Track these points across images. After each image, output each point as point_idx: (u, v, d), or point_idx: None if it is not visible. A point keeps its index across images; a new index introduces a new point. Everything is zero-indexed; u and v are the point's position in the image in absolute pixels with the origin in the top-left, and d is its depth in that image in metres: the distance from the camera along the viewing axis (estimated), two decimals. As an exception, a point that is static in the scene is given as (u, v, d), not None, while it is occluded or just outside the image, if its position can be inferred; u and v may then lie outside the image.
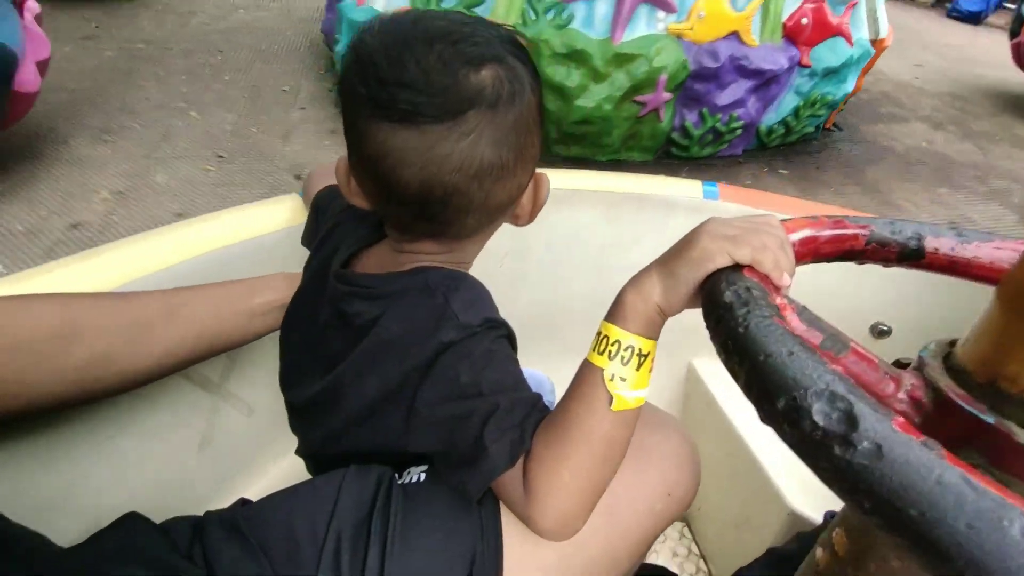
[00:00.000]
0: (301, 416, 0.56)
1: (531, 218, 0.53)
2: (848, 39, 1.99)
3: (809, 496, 0.78)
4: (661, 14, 1.76)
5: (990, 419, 0.25)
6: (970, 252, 0.39)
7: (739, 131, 2.05)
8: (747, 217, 0.39)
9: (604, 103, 1.77)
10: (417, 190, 0.44)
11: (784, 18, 1.86)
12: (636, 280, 0.41)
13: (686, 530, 1.05)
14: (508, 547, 0.43)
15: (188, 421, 0.69)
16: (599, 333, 0.41)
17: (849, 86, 2.17)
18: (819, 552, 0.40)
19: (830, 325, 0.32)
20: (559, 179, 0.96)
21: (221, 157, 2.08)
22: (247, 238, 0.70)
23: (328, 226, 0.59)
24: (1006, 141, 3.00)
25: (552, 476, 0.40)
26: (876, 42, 2.12)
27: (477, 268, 0.86)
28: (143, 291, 0.54)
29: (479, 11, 1.67)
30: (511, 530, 0.43)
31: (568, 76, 1.71)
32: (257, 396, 0.76)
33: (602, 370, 0.39)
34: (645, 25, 1.74)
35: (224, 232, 0.69)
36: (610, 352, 0.39)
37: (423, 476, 0.47)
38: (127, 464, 0.63)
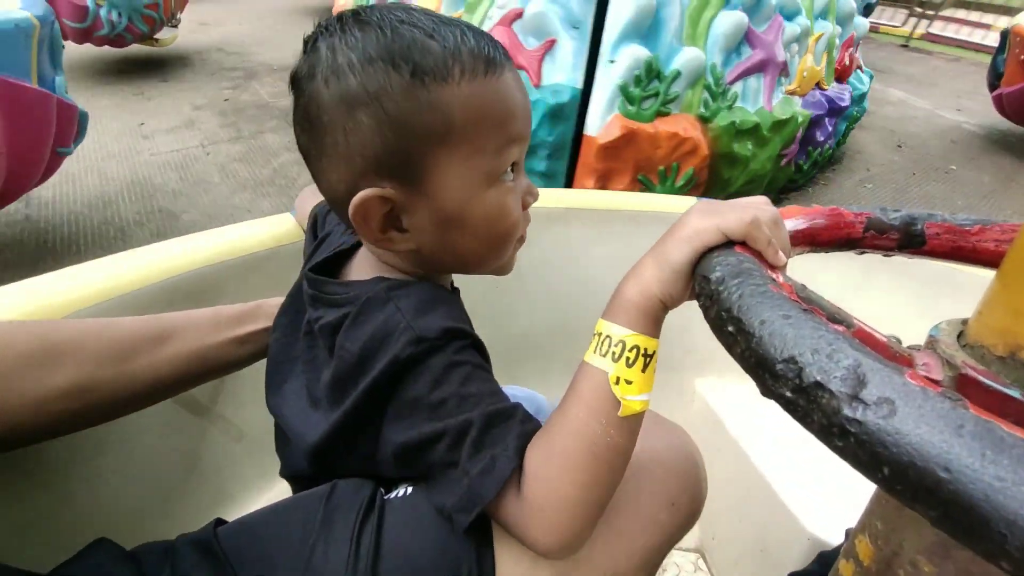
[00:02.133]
0: (279, 431, 0.53)
1: (426, 247, 0.44)
2: (861, 69, 2.61)
3: (828, 518, 0.74)
4: (784, 80, 2.10)
5: (1015, 393, 0.23)
6: (973, 237, 0.38)
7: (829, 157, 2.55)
8: (737, 200, 0.38)
9: (766, 163, 2.12)
10: None
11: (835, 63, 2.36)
12: (634, 273, 0.38)
13: (701, 562, 0.99)
14: (501, 564, 0.40)
15: (174, 445, 0.67)
16: (599, 333, 0.38)
17: (866, 104, 2.79)
18: (842, 564, 0.36)
19: (832, 304, 0.30)
20: (552, 197, 0.97)
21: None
22: (239, 255, 0.70)
23: (324, 234, 0.58)
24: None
25: (556, 491, 0.36)
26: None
27: (472, 286, 0.85)
28: (128, 317, 0.53)
29: (671, 107, 1.88)
30: (504, 545, 0.40)
31: (744, 147, 2.03)
32: (248, 420, 0.74)
33: (606, 373, 0.36)
34: (780, 91, 2.11)
35: (217, 249, 0.69)
36: (613, 353, 0.36)
37: (410, 490, 0.44)
38: (108, 488, 0.60)
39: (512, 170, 0.44)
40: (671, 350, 1.04)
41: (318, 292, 0.47)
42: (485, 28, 1.85)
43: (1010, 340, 0.25)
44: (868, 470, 0.20)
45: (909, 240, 0.38)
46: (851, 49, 2.52)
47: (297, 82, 0.41)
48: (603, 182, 1.87)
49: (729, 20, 1.92)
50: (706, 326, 0.31)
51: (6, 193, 1.42)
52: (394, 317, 0.40)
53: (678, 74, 1.85)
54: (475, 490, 0.37)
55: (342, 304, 0.44)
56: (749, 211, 0.35)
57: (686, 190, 1.95)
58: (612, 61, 1.78)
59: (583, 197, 0.98)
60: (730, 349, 0.27)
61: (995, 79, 3.36)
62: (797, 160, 2.35)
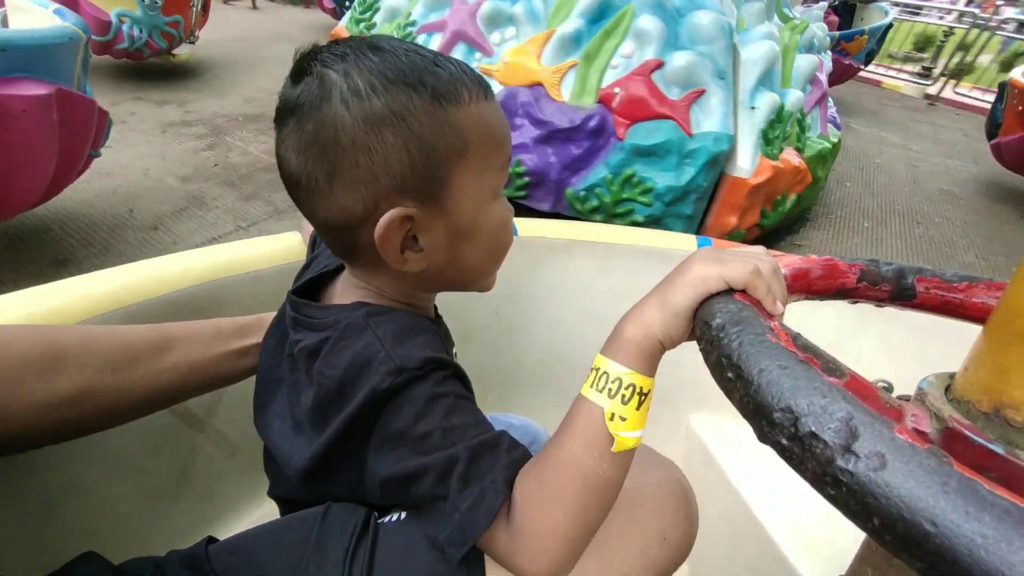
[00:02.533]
0: (267, 451, 0.53)
1: (435, 263, 0.44)
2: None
3: (819, 562, 0.73)
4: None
5: (999, 448, 0.24)
6: (960, 293, 0.39)
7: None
8: (737, 248, 0.39)
9: (824, 181, 2.37)
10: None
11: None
12: (635, 313, 0.39)
13: (690, 602, 0.98)
14: None
15: (167, 458, 0.67)
16: (596, 368, 0.39)
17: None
18: None
19: (826, 353, 0.31)
20: (556, 229, 0.99)
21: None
22: (246, 271, 0.71)
23: (312, 256, 0.58)
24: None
25: (546, 521, 0.37)
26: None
27: (474, 313, 0.86)
28: (132, 325, 0.53)
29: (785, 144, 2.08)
30: (496, 573, 0.40)
31: (823, 169, 2.26)
32: (242, 436, 0.73)
33: (602, 409, 0.37)
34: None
35: (224, 264, 0.70)
36: (610, 390, 0.37)
37: (404, 515, 0.44)
38: (97, 500, 0.60)
39: None
40: (666, 385, 1.04)
41: (298, 315, 0.47)
42: (609, 77, 1.88)
43: (994, 397, 0.26)
44: (859, 519, 0.21)
45: (900, 293, 0.40)
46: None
47: (298, 109, 0.40)
48: (741, 218, 2.00)
49: (806, 62, 2.22)
50: (701, 362, 0.32)
51: (50, 191, 1.53)
52: (373, 345, 0.41)
53: (790, 114, 2.06)
54: (466, 524, 0.37)
55: (321, 328, 0.44)
56: (751, 261, 0.36)
57: (794, 213, 2.23)
58: (753, 107, 1.95)
59: (587, 230, 0.99)
60: (729, 394, 0.28)
61: (993, 129, 3.44)
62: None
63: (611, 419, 0.37)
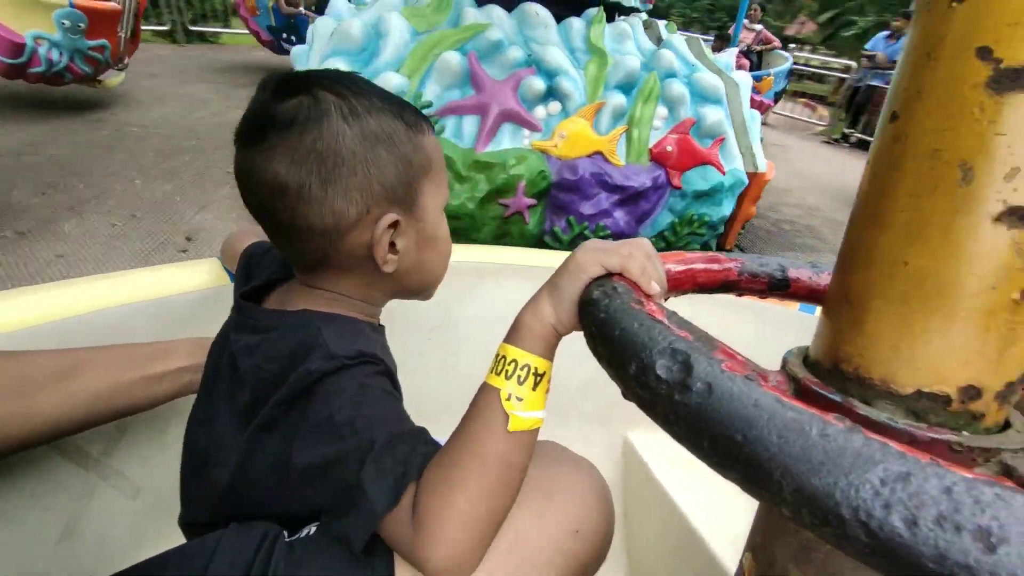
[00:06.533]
0: (189, 467, 0.51)
1: (403, 266, 0.50)
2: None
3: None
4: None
5: (837, 398, 0.28)
6: (824, 280, 0.43)
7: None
8: (622, 240, 0.42)
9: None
10: (248, 203, 0.47)
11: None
12: (530, 302, 0.42)
13: (633, 618, 0.96)
14: None
15: (50, 505, 0.59)
16: (497, 355, 0.41)
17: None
18: None
19: (701, 330, 0.33)
20: (485, 254, 0.99)
21: (134, 216, 2.30)
22: (161, 296, 0.67)
23: (259, 272, 0.59)
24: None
25: (446, 503, 0.37)
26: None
27: (406, 341, 0.84)
28: (35, 350, 0.50)
29: None
30: None
31: None
32: (147, 474, 0.67)
33: (498, 390, 0.39)
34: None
35: (138, 289, 0.66)
36: (507, 372, 0.40)
37: (313, 529, 0.42)
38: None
39: None
40: (603, 403, 1.06)
41: (243, 317, 0.50)
42: (652, 138, 2.22)
43: (832, 356, 0.29)
44: (698, 448, 0.24)
45: (777, 284, 0.43)
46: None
47: (291, 122, 0.44)
48: (754, 207, 2.65)
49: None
50: None
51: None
52: (312, 338, 0.44)
53: None
54: (369, 508, 0.37)
55: (264, 330, 0.47)
56: (626, 247, 0.39)
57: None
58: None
59: (516, 254, 1.01)
60: (599, 359, 0.31)
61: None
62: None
63: (507, 399, 0.39)
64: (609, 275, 0.38)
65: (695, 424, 0.23)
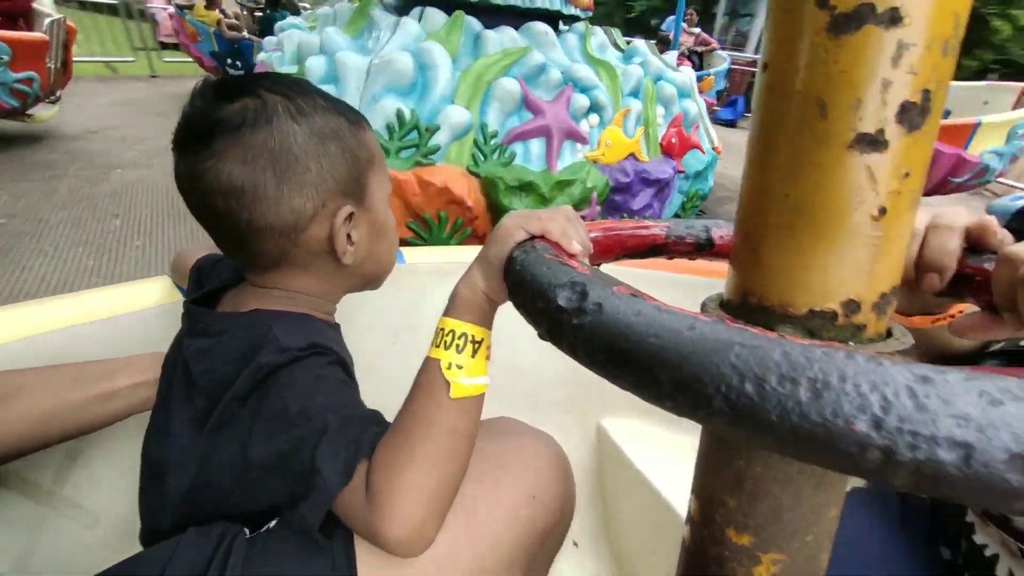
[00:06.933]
0: (148, 479, 0.51)
1: (358, 256, 0.53)
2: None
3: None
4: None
5: (740, 325, 0.30)
6: None
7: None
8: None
9: None
10: (198, 211, 0.48)
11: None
12: (464, 274, 0.44)
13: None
14: None
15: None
16: (436, 329, 0.43)
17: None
18: (685, 531, 0.39)
19: (611, 276, 0.36)
20: (442, 254, 1.01)
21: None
22: (114, 315, 0.66)
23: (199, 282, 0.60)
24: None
25: (396, 476, 0.38)
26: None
27: (371, 343, 0.84)
28: None
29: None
30: (367, 560, 0.40)
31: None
32: (104, 501, 0.65)
33: (438, 360, 0.41)
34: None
35: (89, 309, 0.65)
36: (445, 343, 0.41)
37: (273, 524, 0.43)
38: None
39: None
40: (575, 391, 1.08)
41: (194, 322, 0.51)
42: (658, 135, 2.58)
43: (739, 293, 0.32)
44: (597, 364, 0.25)
45: (703, 245, 0.46)
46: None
47: (238, 124, 0.45)
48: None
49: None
50: None
51: None
52: (264, 335, 0.45)
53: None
54: (323, 486, 0.38)
55: (215, 334, 0.48)
56: (547, 212, 0.41)
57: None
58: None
59: (473, 253, 1.02)
60: (518, 308, 0.32)
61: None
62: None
63: (448, 368, 0.40)
64: (532, 238, 0.40)
65: (591, 341, 0.26)
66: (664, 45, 5.92)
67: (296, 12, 5.38)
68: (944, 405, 0.18)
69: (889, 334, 0.29)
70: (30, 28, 3.23)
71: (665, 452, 0.99)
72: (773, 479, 0.29)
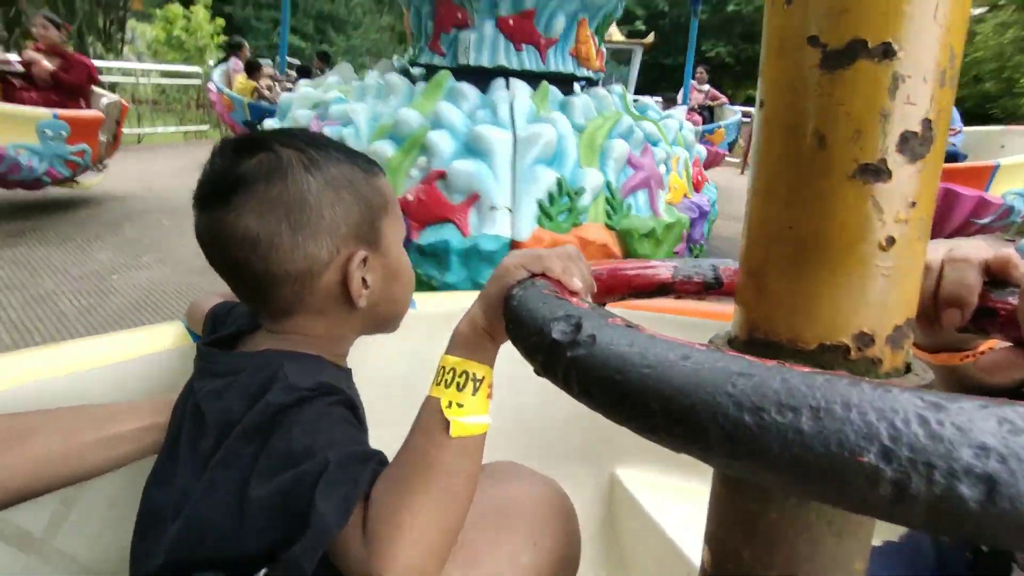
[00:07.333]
0: (144, 528, 0.49)
1: (372, 299, 0.53)
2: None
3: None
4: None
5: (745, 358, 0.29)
6: None
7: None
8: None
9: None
10: (216, 262, 0.50)
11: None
12: (466, 313, 0.44)
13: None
14: None
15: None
16: (438, 367, 0.42)
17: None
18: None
19: (610, 311, 0.35)
20: (451, 301, 1.01)
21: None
22: (128, 359, 0.67)
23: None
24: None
25: (394, 518, 0.37)
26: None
27: (379, 390, 0.84)
28: None
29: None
30: None
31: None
32: (98, 553, 0.63)
33: (438, 399, 0.40)
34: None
35: (103, 353, 0.66)
36: (446, 381, 0.40)
37: (264, 572, 0.41)
38: None
39: None
40: (587, 440, 1.04)
41: (207, 364, 0.51)
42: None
43: (746, 328, 0.31)
44: (588, 396, 0.25)
45: (711, 284, 0.45)
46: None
47: (255, 178, 0.48)
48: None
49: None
50: None
51: None
52: (276, 374, 0.45)
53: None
54: (321, 523, 0.37)
55: (226, 374, 0.48)
56: (549, 251, 0.41)
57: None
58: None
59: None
60: (515, 343, 0.32)
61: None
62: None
63: (448, 406, 0.39)
64: (533, 276, 0.40)
65: (584, 372, 0.25)
66: (670, 103, 6.15)
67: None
68: (960, 434, 0.16)
69: (908, 369, 0.28)
70: (88, 105, 3.49)
71: (682, 503, 0.94)
72: (789, 525, 0.27)
